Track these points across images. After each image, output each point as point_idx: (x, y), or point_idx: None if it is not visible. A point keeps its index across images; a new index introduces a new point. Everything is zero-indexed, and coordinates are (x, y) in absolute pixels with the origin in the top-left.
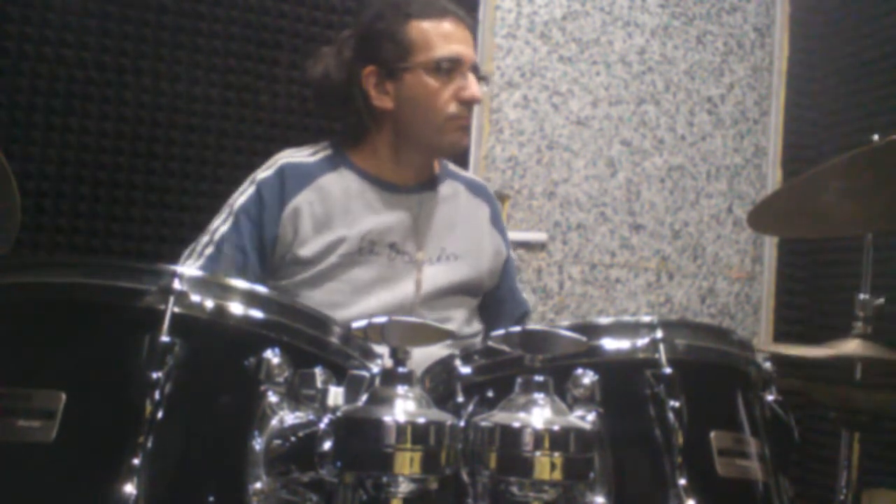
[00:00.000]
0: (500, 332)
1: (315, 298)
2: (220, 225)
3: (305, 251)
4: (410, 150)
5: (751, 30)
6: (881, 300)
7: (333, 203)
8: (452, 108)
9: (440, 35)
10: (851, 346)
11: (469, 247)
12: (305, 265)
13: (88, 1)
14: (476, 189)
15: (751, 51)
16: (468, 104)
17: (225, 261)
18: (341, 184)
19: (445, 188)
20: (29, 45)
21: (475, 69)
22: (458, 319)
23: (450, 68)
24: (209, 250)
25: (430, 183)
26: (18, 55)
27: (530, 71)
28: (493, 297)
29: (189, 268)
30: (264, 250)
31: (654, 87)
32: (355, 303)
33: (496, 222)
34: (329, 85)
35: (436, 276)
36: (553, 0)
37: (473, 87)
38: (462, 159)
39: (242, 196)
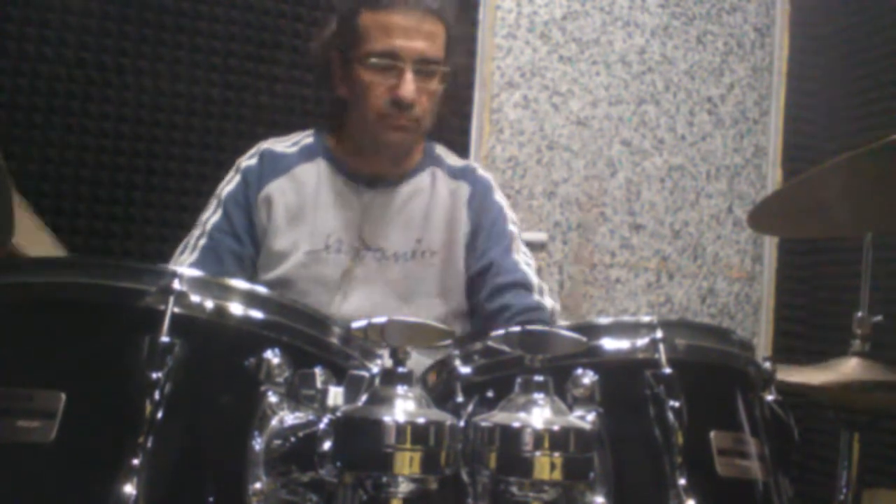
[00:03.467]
0: (500, 332)
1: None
2: (211, 216)
3: (278, 244)
4: (364, 143)
5: (751, 30)
6: (879, 317)
7: (306, 194)
8: (385, 106)
9: (380, 27)
10: (850, 366)
11: (445, 237)
12: (275, 260)
13: (88, 1)
14: (456, 172)
15: (751, 51)
16: (398, 104)
17: (221, 250)
18: (315, 174)
19: (424, 178)
20: (29, 45)
21: (426, 64)
22: (435, 319)
23: (384, 64)
24: (203, 241)
25: (406, 174)
26: (18, 55)
27: (530, 71)
28: (476, 270)
29: (188, 267)
30: (256, 236)
31: (654, 87)
32: (328, 302)
33: (479, 200)
34: (314, 64)
35: (410, 273)
36: (553, 0)
37: (406, 86)
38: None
39: (229, 185)
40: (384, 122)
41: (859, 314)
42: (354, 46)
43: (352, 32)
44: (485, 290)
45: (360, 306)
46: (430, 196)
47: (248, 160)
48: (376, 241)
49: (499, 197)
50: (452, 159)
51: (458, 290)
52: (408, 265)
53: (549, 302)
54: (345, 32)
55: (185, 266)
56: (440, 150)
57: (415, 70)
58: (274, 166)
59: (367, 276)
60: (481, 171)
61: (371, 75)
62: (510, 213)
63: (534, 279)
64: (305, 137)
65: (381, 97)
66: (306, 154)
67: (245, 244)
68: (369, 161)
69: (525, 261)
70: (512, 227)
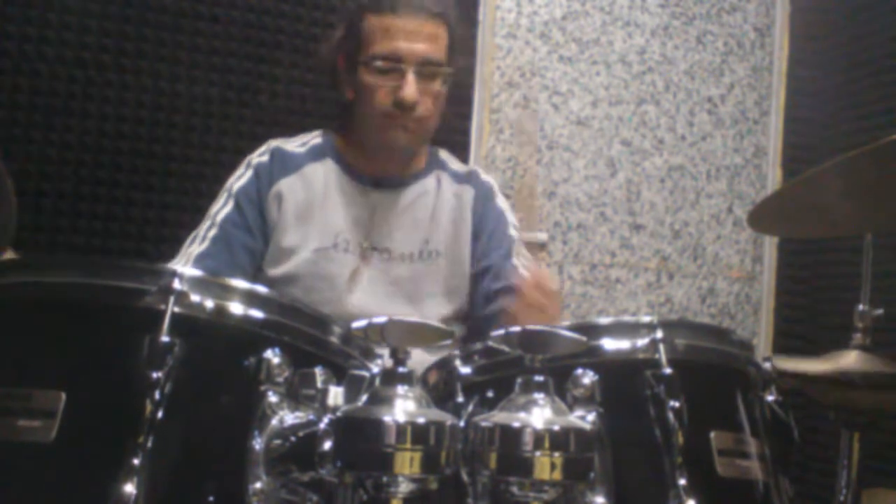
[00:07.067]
0: (500, 332)
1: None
2: (221, 208)
3: (286, 240)
4: (369, 144)
5: (751, 30)
6: (880, 311)
7: (315, 193)
8: (387, 106)
9: (383, 30)
10: (850, 359)
11: (451, 239)
12: (284, 256)
13: (88, 1)
14: (461, 176)
15: (751, 51)
16: (401, 105)
17: (233, 241)
18: (324, 174)
19: (429, 180)
20: (29, 45)
21: (429, 66)
22: (440, 320)
23: (387, 66)
24: (213, 232)
25: (412, 176)
26: (18, 55)
27: (530, 71)
28: (475, 273)
29: (198, 256)
30: (266, 232)
31: (654, 87)
32: (335, 300)
33: (482, 203)
34: (322, 68)
35: (417, 273)
36: (553, 0)
37: (408, 87)
38: (462, 159)
39: (241, 180)
40: (387, 122)
41: (860, 307)
42: (359, 49)
43: (357, 36)
44: (480, 295)
45: (366, 305)
46: (436, 198)
47: (259, 157)
48: (383, 242)
49: (500, 201)
50: (456, 164)
51: (463, 291)
52: (414, 266)
53: None
54: (350, 36)
55: (194, 255)
56: (444, 155)
57: (417, 72)
58: (284, 164)
59: (373, 275)
60: (484, 176)
61: (374, 77)
62: (511, 218)
63: None
64: (314, 138)
65: (385, 99)
66: (315, 154)
67: (256, 238)
68: (376, 162)
69: (524, 265)
70: (512, 232)
